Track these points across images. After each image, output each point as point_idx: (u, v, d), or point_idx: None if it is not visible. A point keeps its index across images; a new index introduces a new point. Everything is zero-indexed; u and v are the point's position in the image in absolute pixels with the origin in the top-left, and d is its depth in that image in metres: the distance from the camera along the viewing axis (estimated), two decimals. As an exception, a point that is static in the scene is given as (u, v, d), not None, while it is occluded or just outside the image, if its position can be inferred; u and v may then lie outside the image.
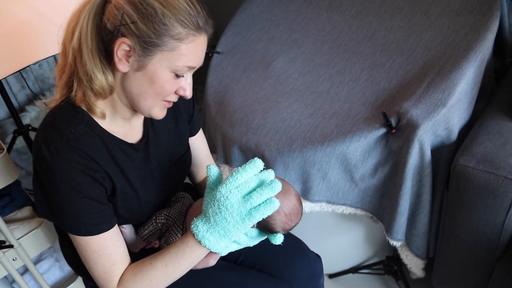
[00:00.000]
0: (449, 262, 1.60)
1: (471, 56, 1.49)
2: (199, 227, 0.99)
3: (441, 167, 1.55)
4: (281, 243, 1.09)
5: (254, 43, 2.11)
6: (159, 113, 1.07)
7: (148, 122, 1.19)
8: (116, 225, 1.07)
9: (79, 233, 1.01)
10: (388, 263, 1.93)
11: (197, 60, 1.01)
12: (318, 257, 1.43)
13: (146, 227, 1.22)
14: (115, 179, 1.06)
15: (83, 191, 0.98)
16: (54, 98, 1.10)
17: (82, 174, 0.98)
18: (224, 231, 0.97)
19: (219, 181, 1.04)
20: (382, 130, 1.48)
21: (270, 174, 1.00)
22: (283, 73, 1.92)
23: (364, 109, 1.60)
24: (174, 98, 1.06)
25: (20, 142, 2.66)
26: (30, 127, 2.26)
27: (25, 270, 1.93)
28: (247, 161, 0.98)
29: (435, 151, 1.51)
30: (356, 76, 1.73)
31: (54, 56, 1.80)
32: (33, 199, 1.89)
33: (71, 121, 1.00)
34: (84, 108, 1.03)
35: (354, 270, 2.03)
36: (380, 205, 1.62)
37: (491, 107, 1.64)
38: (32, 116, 2.84)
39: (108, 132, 1.07)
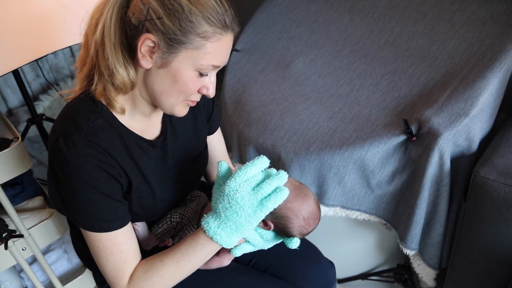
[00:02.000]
0: (462, 274, 1.57)
1: (495, 67, 1.46)
2: (210, 223, 0.98)
3: (460, 178, 1.52)
4: (297, 247, 1.08)
5: (274, 43, 2.09)
6: (181, 111, 1.06)
7: (167, 119, 1.17)
8: (130, 223, 1.06)
9: (92, 229, 1.01)
10: (398, 271, 1.91)
11: (223, 59, 0.99)
12: (331, 264, 1.42)
13: (160, 225, 1.21)
14: (131, 176, 1.05)
15: (99, 187, 0.97)
16: (72, 89, 1.09)
17: (98, 170, 0.96)
18: (236, 225, 0.97)
19: (227, 176, 1.04)
20: (402, 137, 1.46)
21: (273, 170, 1.03)
22: (303, 74, 1.90)
23: (384, 115, 1.58)
24: (197, 98, 1.05)
25: (32, 131, 2.66)
26: (44, 117, 2.25)
27: (33, 260, 1.93)
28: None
29: (455, 161, 1.49)
30: (377, 81, 1.71)
31: (70, 46, 1.78)
32: (44, 189, 1.88)
33: (89, 115, 0.99)
34: (104, 103, 1.02)
35: (364, 276, 2.01)
36: (395, 212, 1.60)
37: (513, 119, 1.62)
38: (46, 105, 2.85)
39: (127, 128, 1.05)
